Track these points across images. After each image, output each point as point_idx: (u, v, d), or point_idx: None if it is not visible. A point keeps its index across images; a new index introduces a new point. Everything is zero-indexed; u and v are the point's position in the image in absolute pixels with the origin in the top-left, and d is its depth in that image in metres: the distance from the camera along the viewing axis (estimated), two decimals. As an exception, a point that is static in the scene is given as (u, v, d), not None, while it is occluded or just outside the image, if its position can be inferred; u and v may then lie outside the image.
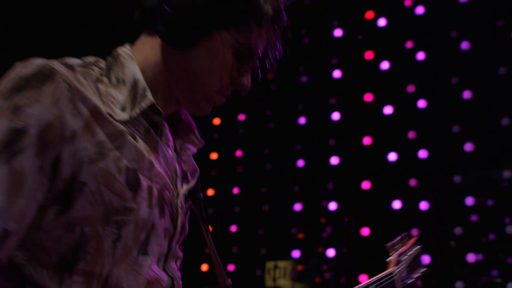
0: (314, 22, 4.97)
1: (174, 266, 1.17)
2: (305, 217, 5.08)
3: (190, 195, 1.23)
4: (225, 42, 1.07)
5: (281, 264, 5.60)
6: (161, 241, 1.10)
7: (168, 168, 1.13)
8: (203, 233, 1.29)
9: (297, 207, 5.05)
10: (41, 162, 0.92)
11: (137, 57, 1.10)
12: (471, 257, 4.33)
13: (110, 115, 1.02)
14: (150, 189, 1.06)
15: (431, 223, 4.52)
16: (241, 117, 5.31)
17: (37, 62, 0.94)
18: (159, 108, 1.09)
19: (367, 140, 4.89)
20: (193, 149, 1.24)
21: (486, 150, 4.40)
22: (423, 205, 4.49)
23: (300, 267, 5.55)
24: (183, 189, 1.18)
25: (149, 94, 1.07)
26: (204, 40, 1.05)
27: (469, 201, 4.24)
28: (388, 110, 4.80)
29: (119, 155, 1.01)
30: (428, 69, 4.64)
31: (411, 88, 4.69)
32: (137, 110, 1.06)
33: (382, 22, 4.79)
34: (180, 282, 1.18)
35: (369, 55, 4.92)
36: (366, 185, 4.83)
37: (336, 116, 4.97)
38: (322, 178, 4.98)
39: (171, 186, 1.13)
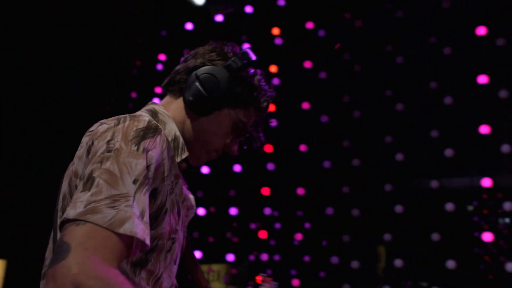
0: (254, 29, 5.04)
1: None
2: (240, 221, 5.13)
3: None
4: (231, 117, 1.44)
5: (215, 267, 5.63)
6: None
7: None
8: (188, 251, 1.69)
9: (233, 211, 5.09)
10: (150, 187, 1.21)
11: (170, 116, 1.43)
12: (398, 263, 4.50)
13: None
14: (182, 218, 1.39)
15: (361, 229, 4.67)
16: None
17: (145, 119, 1.22)
18: (188, 159, 1.44)
19: (303, 147, 5.00)
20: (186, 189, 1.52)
21: (417, 160, 4.60)
22: (355, 212, 4.63)
23: (233, 271, 5.60)
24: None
25: (185, 148, 1.41)
26: (217, 112, 1.43)
27: (398, 208, 4.41)
28: (324, 118, 4.93)
29: (176, 191, 1.33)
30: (364, 80, 4.80)
31: (346, 98, 4.84)
32: (179, 159, 1.38)
33: (321, 32, 4.91)
34: None
35: (308, 64, 5.04)
36: (300, 191, 4.94)
37: (273, 123, 5.05)
38: (258, 183, 5.04)
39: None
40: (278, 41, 5.04)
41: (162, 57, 5.27)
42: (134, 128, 1.19)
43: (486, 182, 4.23)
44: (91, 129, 1.27)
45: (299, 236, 4.91)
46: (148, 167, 1.17)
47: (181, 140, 1.40)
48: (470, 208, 5.19)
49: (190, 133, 1.44)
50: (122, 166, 1.12)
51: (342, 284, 4.61)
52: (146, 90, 5.19)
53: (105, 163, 1.12)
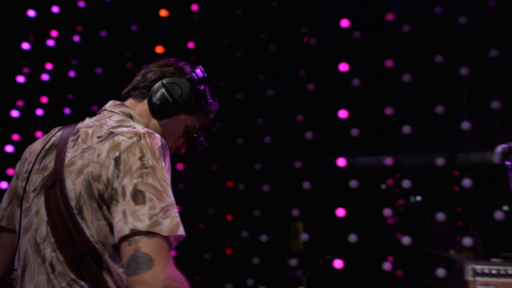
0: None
1: None
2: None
3: None
4: (185, 122, 1.69)
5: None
6: None
7: None
8: None
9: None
10: None
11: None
12: (304, 237, 4.67)
13: None
14: None
15: (272, 204, 4.81)
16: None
17: (158, 136, 1.44)
18: None
19: (217, 124, 5.07)
20: None
21: (325, 140, 4.78)
22: (265, 188, 4.77)
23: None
24: None
25: None
26: (175, 116, 1.66)
27: (306, 185, 4.57)
28: (238, 96, 5.02)
29: None
30: (278, 60, 4.91)
31: (261, 77, 4.94)
32: None
33: (239, 11, 4.99)
34: None
35: (225, 42, 5.11)
36: (214, 167, 5.03)
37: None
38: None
39: None
40: (165, 22, 5.14)
41: (54, 33, 5.22)
42: (157, 147, 1.40)
43: (388, 161, 4.47)
44: (99, 134, 1.43)
45: (210, 211, 5.00)
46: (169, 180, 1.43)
47: None
48: (376, 186, 5.44)
49: None
50: (161, 181, 1.35)
51: (252, 258, 4.75)
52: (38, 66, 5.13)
53: (146, 178, 1.33)
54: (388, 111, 4.52)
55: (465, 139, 4.52)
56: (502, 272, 3.51)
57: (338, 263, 4.44)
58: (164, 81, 1.63)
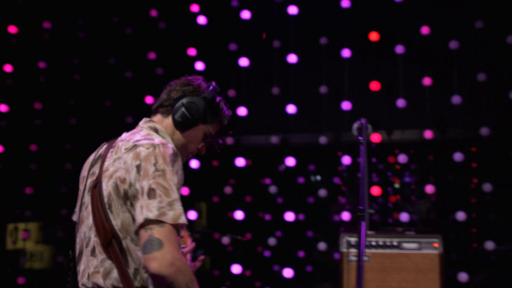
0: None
1: None
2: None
3: None
4: (203, 131, 2.05)
5: (22, 226, 5.44)
6: None
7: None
8: None
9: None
10: None
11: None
12: (238, 215, 4.68)
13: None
14: None
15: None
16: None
17: (170, 146, 1.80)
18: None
19: (107, 103, 5.02)
20: None
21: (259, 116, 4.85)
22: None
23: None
24: None
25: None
26: (194, 127, 2.02)
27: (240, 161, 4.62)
28: (128, 74, 4.96)
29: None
30: (169, 38, 4.90)
31: (152, 55, 4.90)
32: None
33: None
34: None
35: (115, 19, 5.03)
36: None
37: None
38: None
39: None
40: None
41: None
42: (168, 154, 1.76)
43: (275, 140, 4.58)
44: (126, 146, 1.82)
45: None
46: (179, 183, 1.79)
47: (175, 150, 1.94)
48: (265, 164, 5.59)
49: (176, 142, 2.01)
50: (169, 181, 1.73)
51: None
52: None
53: (158, 179, 1.71)
54: (275, 90, 4.64)
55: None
56: (374, 243, 3.72)
57: (225, 240, 4.52)
58: (184, 101, 2.01)
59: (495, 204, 6.54)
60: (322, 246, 4.35)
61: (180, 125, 2.00)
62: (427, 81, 4.44)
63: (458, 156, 4.31)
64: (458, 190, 7.17)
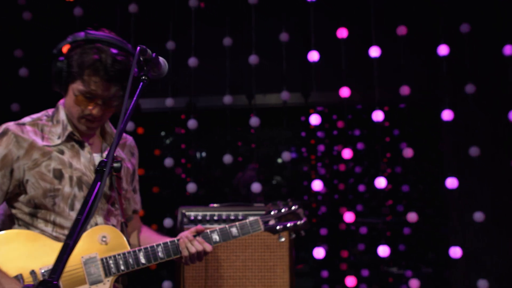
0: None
1: (108, 219, 2.18)
2: None
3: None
4: (74, 90, 2.00)
5: None
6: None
7: (87, 163, 2.13)
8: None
9: None
10: (3, 172, 2.05)
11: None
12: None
13: (47, 144, 2.09)
14: (70, 177, 2.09)
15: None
16: None
17: (3, 126, 2.06)
18: (75, 133, 2.13)
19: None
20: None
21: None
22: None
23: None
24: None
25: (69, 127, 2.12)
26: (68, 90, 2.03)
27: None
28: None
29: (48, 163, 2.07)
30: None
31: None
32: (63, 137, 2.11)
33: None
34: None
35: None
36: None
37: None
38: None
39: (87, 172, 2.12)
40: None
41: None
42: None
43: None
44: None
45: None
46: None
47: (65, 122, 2.12)
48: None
49: (67, 112, 2.10)
50: None
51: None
52: None
53: None
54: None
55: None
56: (216, 217, 3.38)
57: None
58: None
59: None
60: (167, 222, 3.89)
61: (59, 95, 2.06)
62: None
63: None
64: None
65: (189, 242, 2.17)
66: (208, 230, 2.22)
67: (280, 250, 3.34)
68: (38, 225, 2.08)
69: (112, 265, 2.03)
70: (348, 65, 4.20)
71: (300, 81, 4.66)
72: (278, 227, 2.36)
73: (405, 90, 4.01)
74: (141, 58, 1.81)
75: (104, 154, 2.20)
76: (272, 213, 2.37)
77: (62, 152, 2.09)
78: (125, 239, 2.10)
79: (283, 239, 2.38)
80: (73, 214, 2.07)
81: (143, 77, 1.80)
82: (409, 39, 4.20)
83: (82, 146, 2.14)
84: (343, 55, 4.18)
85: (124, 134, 2.32)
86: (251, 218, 2.31)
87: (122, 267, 2.04)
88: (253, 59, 4.01)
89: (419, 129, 6.17)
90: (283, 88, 4.11)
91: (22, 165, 2.04)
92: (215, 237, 2.22)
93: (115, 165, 1.83)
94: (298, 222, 2.40)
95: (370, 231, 6.07)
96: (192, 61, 3.99)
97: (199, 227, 2.24)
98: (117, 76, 1.95)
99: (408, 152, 3.99)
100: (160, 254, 2.12)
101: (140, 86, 1.78)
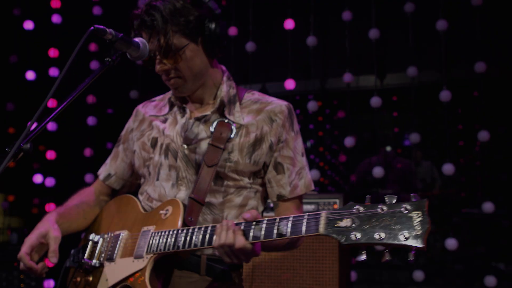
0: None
1: (198, 195, 1.89)
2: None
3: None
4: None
5: None
6: (167, 172, 1.98)
7: (180, 129, 1.98)
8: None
9: None
10: (126, 145, 2.20)
11: None
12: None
13: (155, 114, 2.11)
14: (161, 145, 1.99)
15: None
16: None
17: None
18: (173, 100, 2.06)
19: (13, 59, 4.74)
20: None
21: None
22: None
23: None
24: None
25: (170, 95, 2.09)
26: None
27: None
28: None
29: (150, 133, 2.05)
30: None
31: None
32: (168, 106, 2.08)
33: None
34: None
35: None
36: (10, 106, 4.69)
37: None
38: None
39: (176, 139, 1.97)
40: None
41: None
42: None
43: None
44: None
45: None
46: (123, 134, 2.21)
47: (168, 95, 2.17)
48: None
49: None
50: None
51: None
52: None
53: None
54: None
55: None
56: None
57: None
58: None
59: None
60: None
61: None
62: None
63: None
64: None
65: (224, 230, 1.66)
66: (255, 222, 1.65)
67: (330, 239, 3.13)
68: (139, 195, 2.08)
69: (154, 242, 1.81)
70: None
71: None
72: (353, 236, 1.41)
73: None
74: (107, 38, 1.72)
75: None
76: (358, 208, 1.45)
77: (165, 121, 2.05)
78: (180, 216, 1.82)
79: (363, 257, 1.42)
80: (158, 184, 1.97)
81: (107, 59, 1.72)
82: None
83: (183, 112, 2.02)
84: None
85: (269, 99, 2.03)
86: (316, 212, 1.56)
87: (161, 247, 1.78)
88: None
89: None
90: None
91: (133, 136, 2.12)
92: (256, 232, 1.62)
93: (24, 146, 1.50)
94: (403, 238, 1.34)
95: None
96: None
97: (249, 213, 1.66)
98: (155, 24, 1.82)
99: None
100: (195, 238, 1.72)
101: (100, 68, 1.72)
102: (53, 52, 4.62)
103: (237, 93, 2.04)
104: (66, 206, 2.13)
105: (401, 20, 4.25)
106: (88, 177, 4.60)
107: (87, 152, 4.73)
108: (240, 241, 1.62)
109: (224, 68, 2.09)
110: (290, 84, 4.37)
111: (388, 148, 6.63)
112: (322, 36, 4.63)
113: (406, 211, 1.37)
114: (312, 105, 4.25)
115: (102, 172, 2.25)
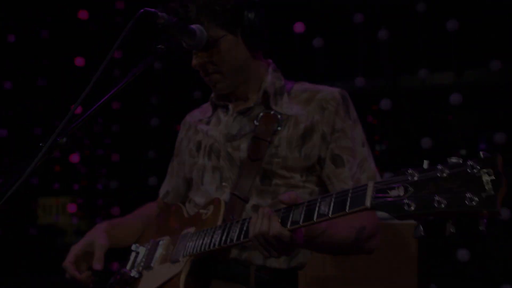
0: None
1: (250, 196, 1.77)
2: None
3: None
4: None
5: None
6: (211, 175, 1.85)
7: (223, 128, 1.86)
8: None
9: None
10: (179, 159, 2.10)
11: None
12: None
13: (200, 118, 2.01)
14: (205, 147, 1.88)
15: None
16: None
17: None
18: (215, 99, 1.95)
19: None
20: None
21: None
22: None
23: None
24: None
25: (212, 94, 1.96)
26: None
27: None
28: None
29: (195, 138, 1.96)
30: None
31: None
32: (211, 106, 1.97)
33: None
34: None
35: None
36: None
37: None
38: None
39: (220, 138, 1.85)
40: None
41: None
42: None
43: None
44: None
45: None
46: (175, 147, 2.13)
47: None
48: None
49: None
50: None
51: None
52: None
53: None
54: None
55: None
56: None
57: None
58: None
59: None
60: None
61: None
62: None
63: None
64: None
65: (260, 218, 1.44)
66: (294, 205, 1.41)
67: (407, 245, 2.83)
68: (186, 203, 1.97)
69: (191, 244, 1.66)
70: None
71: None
72: (406, 207, 1.12)
73: None
74: (159, 23, 1.57)
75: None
76: (412, 173, 1.15)
77: (209, 122, 1.94)
78: (221, 214, 1.68)
79: (420, 234, 1.13)
80: (203, 188, 1.85)
81: (159, 45, 1.58)
82: None
83: (226, 110, 1.90)
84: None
85: (320, 87, 1.86)
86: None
87: (197, 248, 1.62)
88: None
89: None
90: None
91: (183, 146, 2.03)
92: (296, 216, 1.37)
93: (60, 140, 1.38)
94: (470, 202, 1.05)
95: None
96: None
97: (287, 194, 1.43)
98: (190, 16, 1.70)
99: None
100: (231, 233, 1.54)
101: (151, 58, 1.60)
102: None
103: (285, 84, 1.89)
104: (123, 217, 2.12)
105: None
106: (152, 180, 4.51)
107: (151, 154, 4.65)
108: (275, 228, 1.38)
109: (270, 61, 1.93)
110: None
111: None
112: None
113: (474, 170, 1.06)
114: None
115: (162, 189, 2.20)
